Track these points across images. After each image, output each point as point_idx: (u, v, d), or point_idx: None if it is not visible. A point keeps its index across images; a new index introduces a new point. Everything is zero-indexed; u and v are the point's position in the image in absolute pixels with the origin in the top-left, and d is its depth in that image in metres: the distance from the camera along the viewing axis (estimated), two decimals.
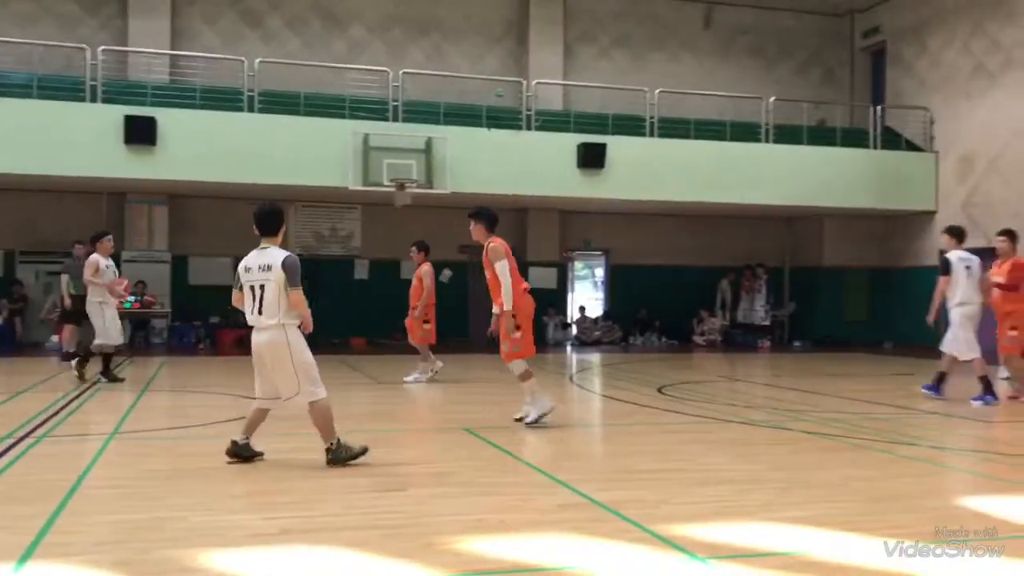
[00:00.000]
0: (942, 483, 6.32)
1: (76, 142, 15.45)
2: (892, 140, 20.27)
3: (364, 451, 6.42)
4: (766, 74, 22.04)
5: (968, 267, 10.43)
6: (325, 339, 19.01)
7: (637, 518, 5.02)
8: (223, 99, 16.82)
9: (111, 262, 11.68)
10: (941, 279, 10.45)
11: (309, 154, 16.37)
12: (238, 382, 12.09)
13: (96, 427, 8.18)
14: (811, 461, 7.04)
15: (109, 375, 11.46)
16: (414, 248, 12.47)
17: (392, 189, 16.44)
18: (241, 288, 6.41)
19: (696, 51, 21.79)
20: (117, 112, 15.64)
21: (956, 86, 19.47)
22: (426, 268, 12.21)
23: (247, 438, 6.59)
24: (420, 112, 17.57)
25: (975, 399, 10.27)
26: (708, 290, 21.63)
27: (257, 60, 17.12)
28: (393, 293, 19.58)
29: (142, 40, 18.29)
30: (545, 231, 20.78)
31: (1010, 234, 10.79)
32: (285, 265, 6.20)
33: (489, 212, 8.57)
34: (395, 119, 17.30)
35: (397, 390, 11.83)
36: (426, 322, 12.17)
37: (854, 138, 20.14)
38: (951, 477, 6.51)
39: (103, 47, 16.72)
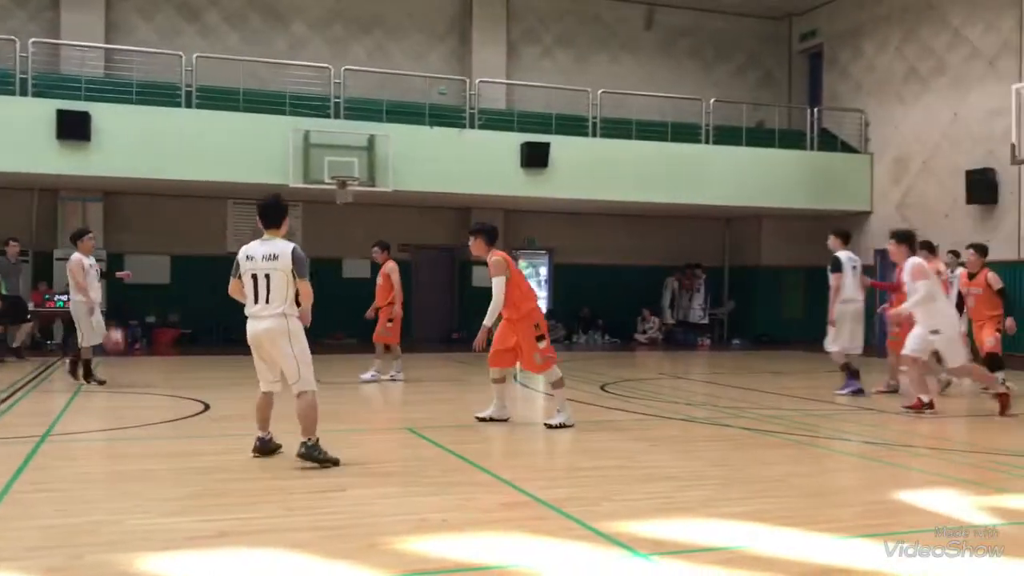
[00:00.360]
0: (876, 478, 6.45)
1: (5, 137, 15.02)
2: (828, 142, 20.68)
3: (336, 463, 6.32)
4: (706, 76, 22.31)
5: (854, 267, 10.97)
6: None
7: (580, 515, 5.04)
8: (160, 94, 16.50)
9: (94, 260, 11.35)
10: (833, 277, 10.90)
11: (248, 151, 16.14)
12: (175, 382, 11.88)
13: (27, 430, 7.95)
14: (750, 457, 7.13)
15: (92, 377, 11.21)
16: (376, 248, 12.39)
17: (333, 187, 16.28)
18: (239, 277, 6.42)
19: (637, 52, 21.97)
20: (49, 106, 15.24)
21: (890, 89, 19.93)
22: (391, 265, 12.19)
23: (268, 433, 6.63)
24: (362, 109, 17.43)
25: (840, 390, 11.02)
26: (650, 289, 21.82)
27: (195, 55, 16.82)
28: (335, 292, 19.38)
29: (75, 33, 17.84)
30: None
31: (979, 248, 11.31)
32: (295, 255, 6.28)
33: (487, 227, 8.65)
34: (337, 116, 17.14)
35: (339, 389, 11.71)
36: (389, 320, 12.11)
37: (791, 139, 20.49)
38: (884, 472, 6.65)
39: (34, 39, 16.27)
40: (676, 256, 22.01)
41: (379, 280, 12.27)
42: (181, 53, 16.69)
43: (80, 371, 11.20)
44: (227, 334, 15.42)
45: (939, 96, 18.73)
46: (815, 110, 20.73)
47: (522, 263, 24.17)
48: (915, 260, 9.67)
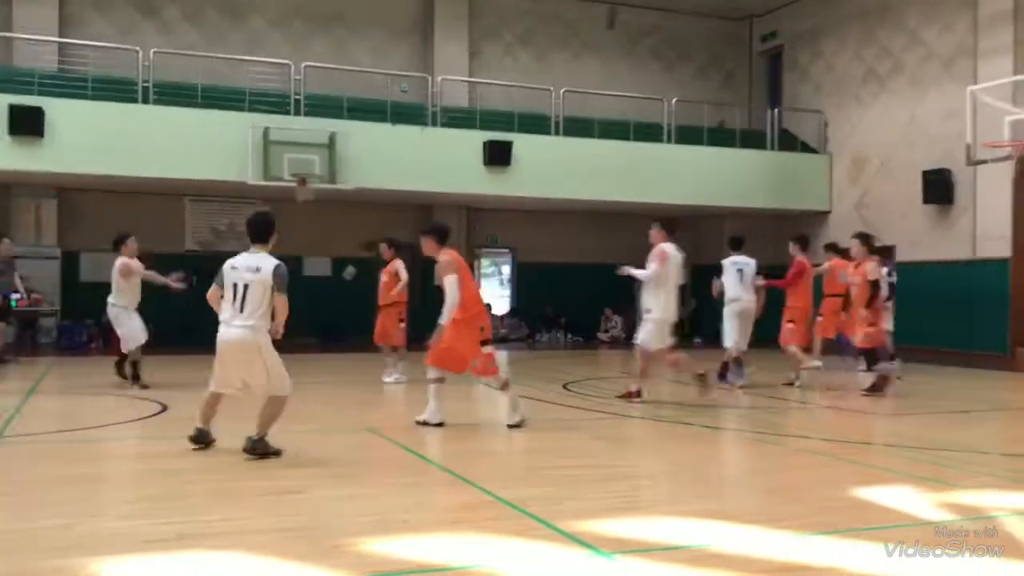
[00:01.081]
0: (834, 474, 6.51)
1: None
2: (788, 142, 20.88)
3: (278, 453, 6.56)
4: (668, 76, 22.43)
5: (740, 270, 11.90)
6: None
7: (542, 515, 5.02)
8: (116, 89, 16.21)
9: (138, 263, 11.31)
10: (716, 280, 12.03)
11: (206, 147, 15.92)
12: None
13: None
14: (711, 455, 7.18)
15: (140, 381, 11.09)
16: (383, 244, 12.19)
17: (294, 184, 16.13)
18: (221, 285, 6.66)
19: (600, 52, 22.03)
20: (1, 101, 14.92)
21: (848, 90, 20.18)
22: (399, 263, 11.93)
23: (208, 427, 6.84)
24: (323, 106, 17.28)
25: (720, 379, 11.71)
26: (613, 288, 21.86)
27: (152, 50, 16.57)
28: (295, 291, 19.28)
29: (28, 27, 17.47)
30: (451, 228, 20.71)
31: (864, 237, 11.54)
32: (277, 271, 6.53)
33: (438, 227, 8.75)
34: (297, 113, 16.97)
35: (297, 391, 11.59)
36: (401, 320, 11.96)
37: (752, 140, 20.66)
38: (843, 468, 6.72)
39: None
40: (639, 255, 22.06)
41: (383, 278, 11.97)
42: (138, 48, 16.43)
43: (128, 371, 11.12)
44: (186, 334, 15.17)
45: (896, 97, 19.00)
46: (775, 111, 20.92)
47: (485, 261, 24.19)
48: (662, 246, 10.43)
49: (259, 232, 6.77)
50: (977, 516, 5.20)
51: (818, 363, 12.01)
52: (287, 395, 6.62)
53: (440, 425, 8.17)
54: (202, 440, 6.83)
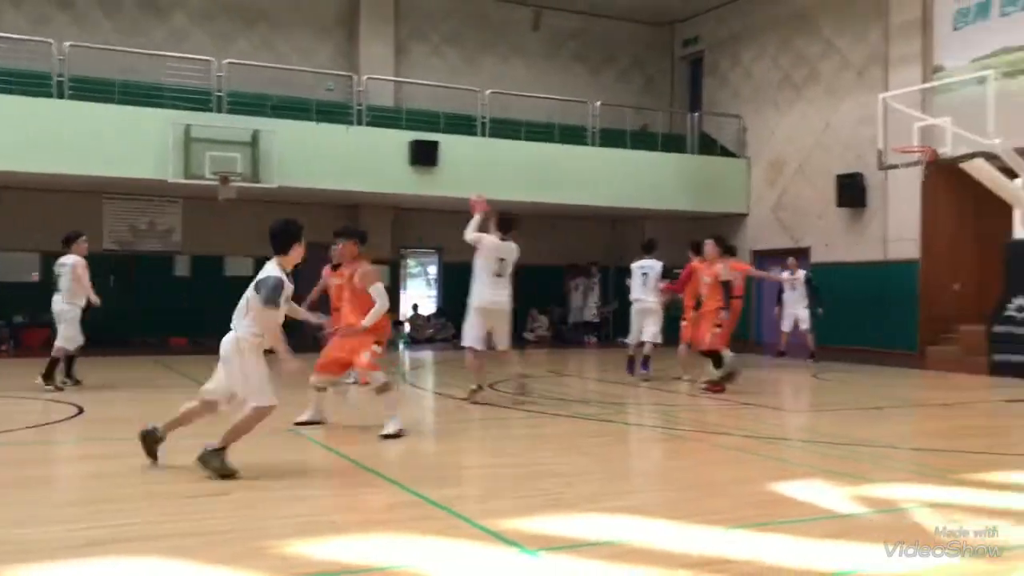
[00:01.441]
0: (752, 470, 6.68)
1: None
2: (708, 146, 21.31)
3: (234, 474, 5.95)
4: (592, 79, 22.66)
5: (645, 273, 12.85)
6: (142, 338, 18.17)
7: (468, 514, 5.05)
8: (29, 84, 15.70)
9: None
10: (627, 281, 13.15)
11: (125, 144, 15.54)
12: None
13: None
14: (634, 452, 7.30)
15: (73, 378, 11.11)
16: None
17: (215, 183, 15.85)
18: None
19: (525, 54, 22.15)
20: None
21: (766, 96, 20.68)
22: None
23: (163, 430, 6.26)
24: (246, 104, 17.03)
25: (641, 369, 12.65)
26: (539, 288, 22.02)
27: (67, 43, 16.11)
28: (216, 291, 18.92)
29: None
30: (377, 228, 20.57)
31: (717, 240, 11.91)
32: (258, 282, 6.00)
33: (358, 230, 8.83)
34: (219, 110, 16.68)
35: None
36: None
37: (674, 143, 21.02)
38: (760, 464, 6.90)
39: None
40: (564, 256, 22.30)
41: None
42: (52, 41, 15.96)
43: (60, 368, 11.00)
44: (98, 335, 14.76)
45: (811, 103, 19.54)
46: (696, 115, 21.32)
47: (411, 262, 24.09)
48: (483, 235, 10.59)
49: (274, 242, 6.22)
50: (888, 508, 5.41)
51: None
52: (264, 406, 6.03)
53: (320, 423, 8.11)
54: (150, 439, 6.26)
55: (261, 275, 6.08)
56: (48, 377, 10.69)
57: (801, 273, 16.47)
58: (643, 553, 4.41)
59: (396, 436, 7.58)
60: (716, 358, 11.28)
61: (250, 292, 6.07)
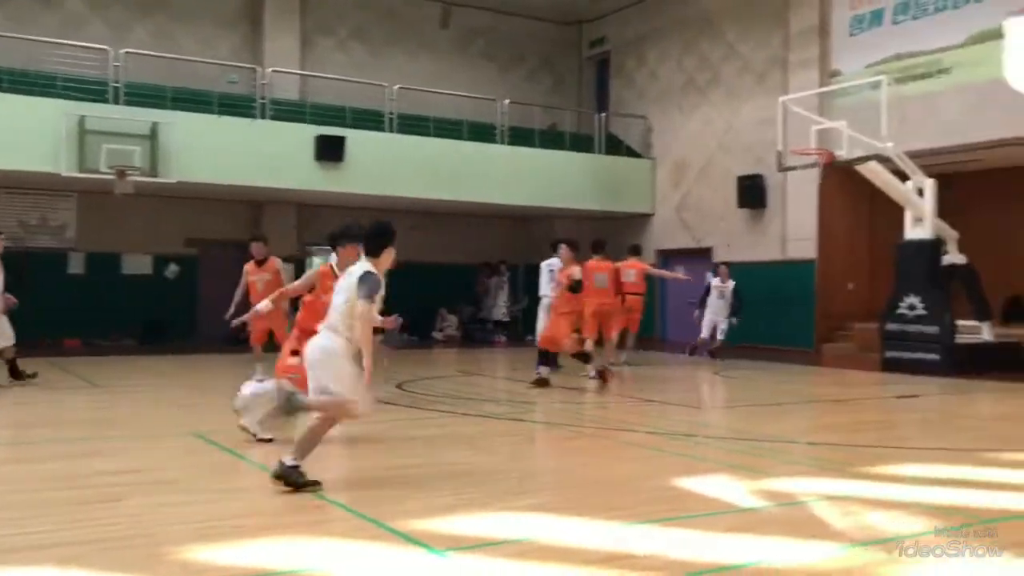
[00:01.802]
0: (658, 466, 6.78)
1: None
2: (615, 146, 21.57)
3: (315, 484, 5.63)
4: (501, 77, 22.70)
5: (551, 270, 13.23)
6: (33, 339, 17.44)
7: (375, 515, 4.99)
8: None
9: None
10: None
11: (15, 135, 14.87)
12: None
13: None
14: (543, 450, 7.33)
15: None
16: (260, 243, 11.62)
17: (112, 177, 15.30)
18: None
19: (434, 50, 22.05)
20: None
21: (671, 98, 21.05)
22: (278, 261, 11.67)
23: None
24: (145, 95, 16.49)
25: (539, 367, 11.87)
26: (448, 287, 21.97)
27: None
28: (113, 289, 18.28)
29: None
30: (282, 224, 20.22)
31: (570, 243, 12.36)
32: (361, 276, 5.68)
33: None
34: (116, 101, 16.11)
35: (116, 394, 11.05)
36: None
37: (581, 143, 21.21)
38: (666, 460, 7.01)
39: None
40: (474, 255, 22.27)
41: (266, 276, 11.21)
42: None
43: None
44: None
45: (714, 106, 19.98)
46: (603, 115, 21.57)
47: (317, 259, 23.71)
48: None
49: (367, 244, 5.93)
50: (789, 502, 5.55)
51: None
52: (346, 415, 5.80)
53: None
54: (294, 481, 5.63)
55: (357, 271, 5.73)
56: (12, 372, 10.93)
57: (731, 283, 16.41)
58: (550, 550, 4.42)
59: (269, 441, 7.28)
60: (583, 356, 11.75)
61: (347, 293, 5.71)
